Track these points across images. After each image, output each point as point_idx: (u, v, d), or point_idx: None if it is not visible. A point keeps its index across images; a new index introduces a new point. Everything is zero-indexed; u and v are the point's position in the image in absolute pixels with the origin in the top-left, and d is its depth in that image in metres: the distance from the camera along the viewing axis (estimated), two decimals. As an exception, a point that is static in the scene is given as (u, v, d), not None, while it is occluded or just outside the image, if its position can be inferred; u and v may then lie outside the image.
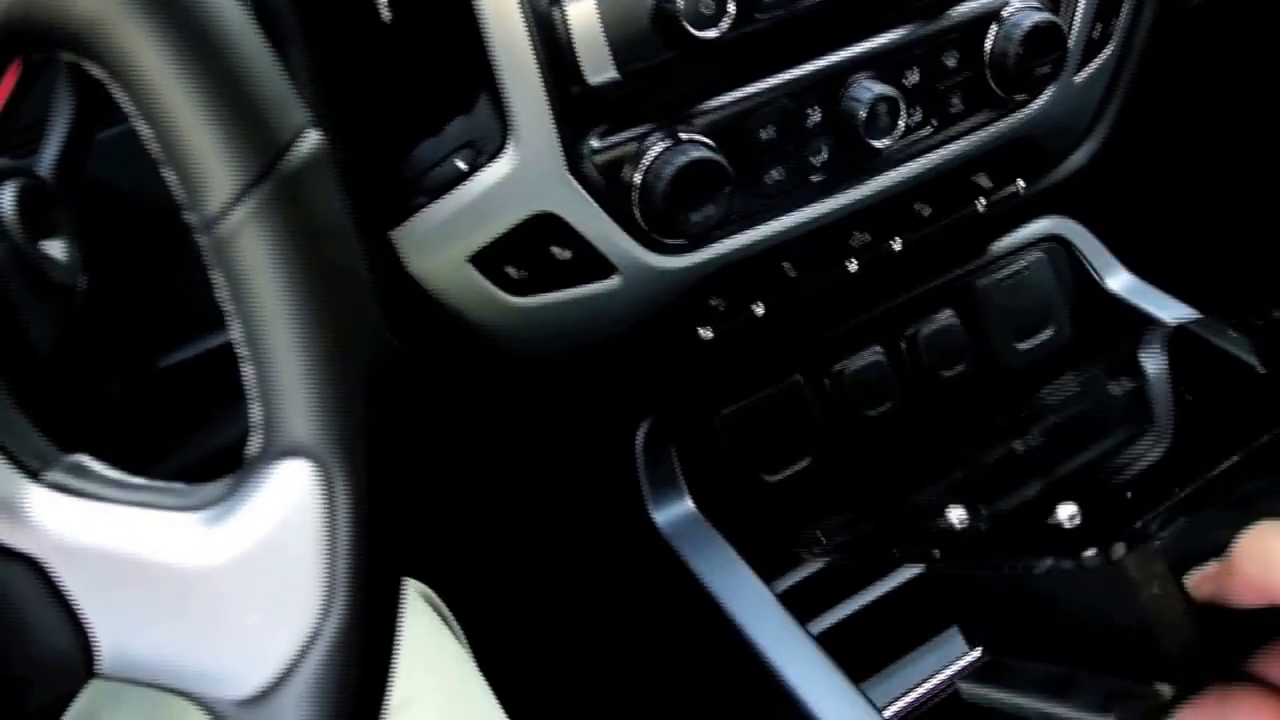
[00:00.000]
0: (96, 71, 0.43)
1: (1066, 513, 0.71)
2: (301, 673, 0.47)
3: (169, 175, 0.43)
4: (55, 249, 0.81)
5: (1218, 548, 0.56)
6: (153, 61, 0.42)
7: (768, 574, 1.03)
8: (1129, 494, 0.75)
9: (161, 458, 0.97)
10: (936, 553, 0.81)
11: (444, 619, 0.99)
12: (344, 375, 0.45)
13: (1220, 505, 0.61)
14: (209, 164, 0.43)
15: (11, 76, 0.60)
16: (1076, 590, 0.69)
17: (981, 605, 0.79)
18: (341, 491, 0.45)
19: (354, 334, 0.46)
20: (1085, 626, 0.70)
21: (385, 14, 0.86)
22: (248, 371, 0.45)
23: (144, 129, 0.43)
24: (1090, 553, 0.64)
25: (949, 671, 1.02)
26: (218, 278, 0.44)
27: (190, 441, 1.00)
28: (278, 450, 0.45)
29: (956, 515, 0.80)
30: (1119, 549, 0.62)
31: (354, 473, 0.45)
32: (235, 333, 0.44)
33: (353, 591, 0.46)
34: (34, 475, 0.47)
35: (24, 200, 0.78)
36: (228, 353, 0.91)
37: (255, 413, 0.45)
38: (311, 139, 0.45)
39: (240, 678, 0.47)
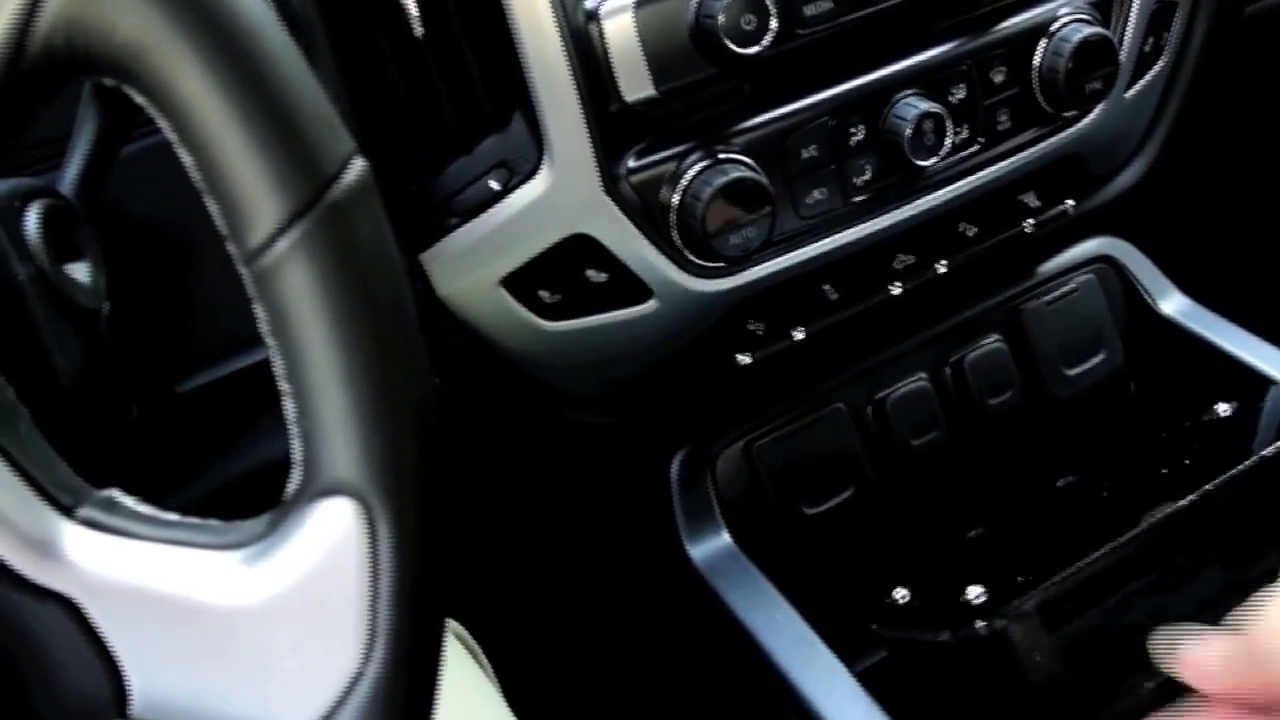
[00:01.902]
0: (139, 99, 0.42)
1: (974, 592, 0.96)
2: (342, 717, 0.45)
3: (211, 204, 0.42)
4: (79, 272, 0.79)
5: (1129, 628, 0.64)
6: (196, 88, 0.41)
7: (807, 610, 1.00)
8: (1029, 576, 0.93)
9: (181, 485, 0.95)
10: (874, 625, 1.00)
11: (475, 657, 0.97)
12: (389, 412, 0.43)
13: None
14: (253, 194, 0.41)
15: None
16: (980, 656, 0.86)
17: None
18: (385, 531, 0.44)
19: (399, 369, 0.44)
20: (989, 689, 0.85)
21: (417, 30, 0.84)
22: (289, 406, 0.43)
23: (186, 157, 0.42)
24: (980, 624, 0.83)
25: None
26: (259, 310, 0.43)
27: (210, 468, 0.98)
28: (320, 488, 0.44)
29: (900, 594, 1.02)
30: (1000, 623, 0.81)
31: (398, 512, 0.44)
32: (277, 367, 0.43)
33: (395, 635, 0.45)
34: (67, 512, 0.46)
35: (49, 222, 0.76)
36: (246, 377, 0.89)
37: (296, 449, 0.44)
38: (358, 167, 0.44)
39: None
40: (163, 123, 0.42)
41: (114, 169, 0.83)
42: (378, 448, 0.43)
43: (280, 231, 0.41)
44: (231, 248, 0.42)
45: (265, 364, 0.43)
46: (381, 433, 0.43)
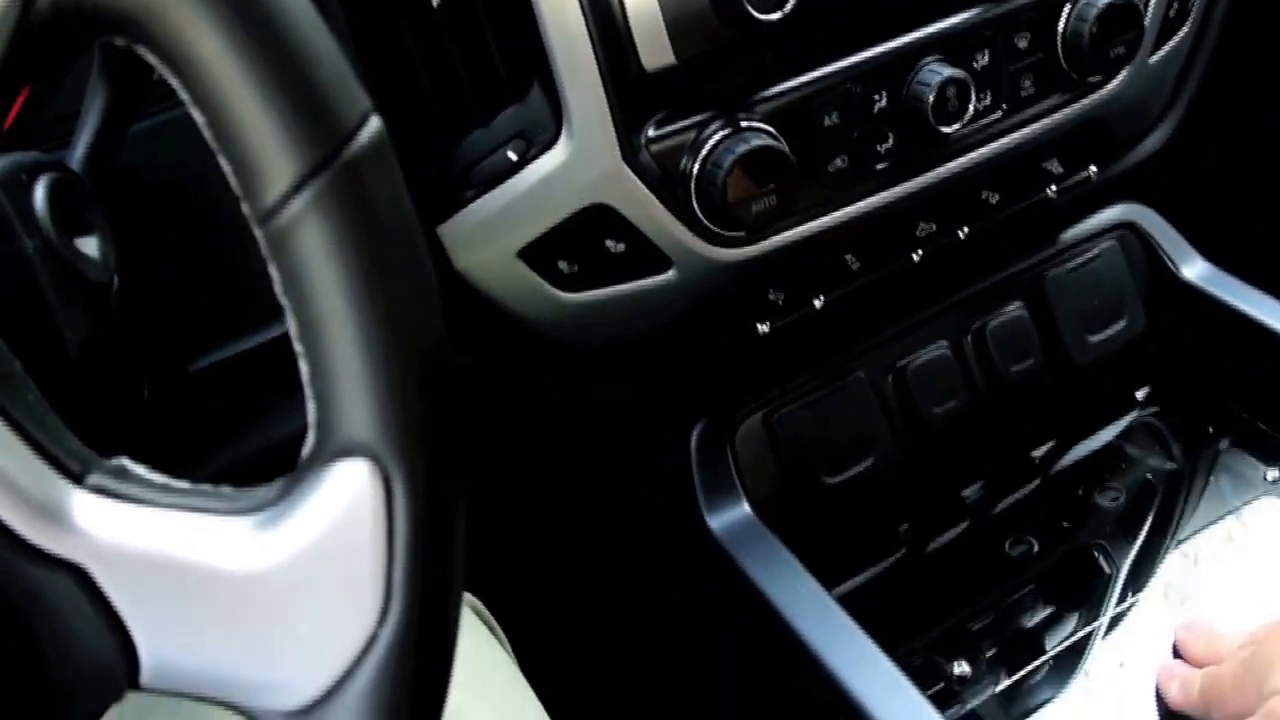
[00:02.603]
0: (150, 57, 0.41)
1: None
2: (356, 682, 0.45)
3: (225, 164, 0.41)
4: (89, 246, 0.79)
5: None
6: (210, 44, 0.40)
7: (828, 580, 1.00)
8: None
9: (195, 464, 0.95)
10: None
11: (491, 629, 0.97)
12: (405, 373, 0.43)
13: None
14: (268, 151, 0.40)
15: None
16: None
17: None
18: (401, 492, 0.43)
19: (416, 330, 0.44)
20: None
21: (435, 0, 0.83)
22: (304, 368, 0.42)
23: (199, 115, 0.41)
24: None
25: (991, 691, 1.02)
26: (274, 270, 0.42)
27: (223, 446, 0.98)
28: (334, 449, 0.43)
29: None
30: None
31: (414, 473, 0.43)
32: (291, 328, 0.42)
33: (412, 597, 0.44)
34: (77, 479, 0.45)
35: (57, 196, 0.75)
36: (262, 355, 0.89)
37: (311, 411, 0.43)
38: (374, 126, 0.43)
39: (291, 688, 0.45)
40: (175, 81, 0.41)
41: (124, 145, 0.83)
42: (392, 408, 0.42)
43: (295, 190, 0.40)
44: (246, 208, 0.41)
45: (277, 342, 0.42)
46: (396, 393, 0.42)
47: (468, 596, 0.97)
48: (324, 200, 0.40)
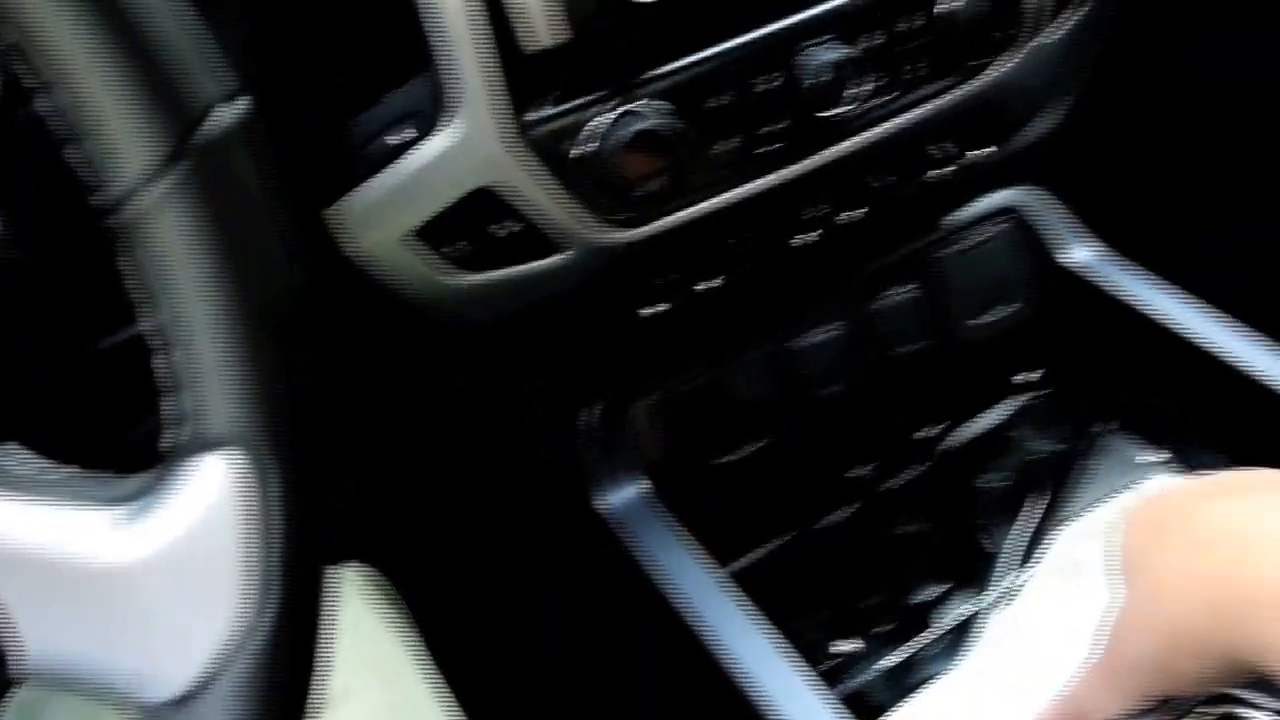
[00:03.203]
0: (7, 40, 0.40)
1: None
2: (230, 670, 0.45)
3: (76, 154, 0.41)
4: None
5: None
6: (57, 25, 0.39)
7: (722, 557, 1.00)
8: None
9: (105, 444, 0.94)
10: None
11: (389, 602, 0.96)
12: (268, 362, 0.43)
13: None
14: (118, 138, 0.40)
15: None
16: None
17: None
18: (270, 481, 0.44)
19: (278, 318, 0.43)
20: None
21: (320, -22, 0.82)
22: (164, 361, 0.42)
23: (51, 102, 0.40)
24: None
25: (882, 667, 1.04)
26: (127, 263, 0.41)
27: (140, 425, 0.96)
28: (203, 441, 0.43)
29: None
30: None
31: (285, 462, 0.44)
32: (148, 322, 0.42)
33: (288, 585, 0.45)
34: None
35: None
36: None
37: (176, 403, 0.43)
38: (232, 109, 0.43)
39: (166, 678, 0.45)
40: (29, 68, 0.40)
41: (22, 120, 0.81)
42: (258, 399, 0.42)
43: (147, 179, 0.40)
44: (98, 198, 0.41)
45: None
46: (261, 384, 0.42)
47: (365, 568, 0.97)
48: (177, 188, 0.40)
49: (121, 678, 0.46)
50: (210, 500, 0.43)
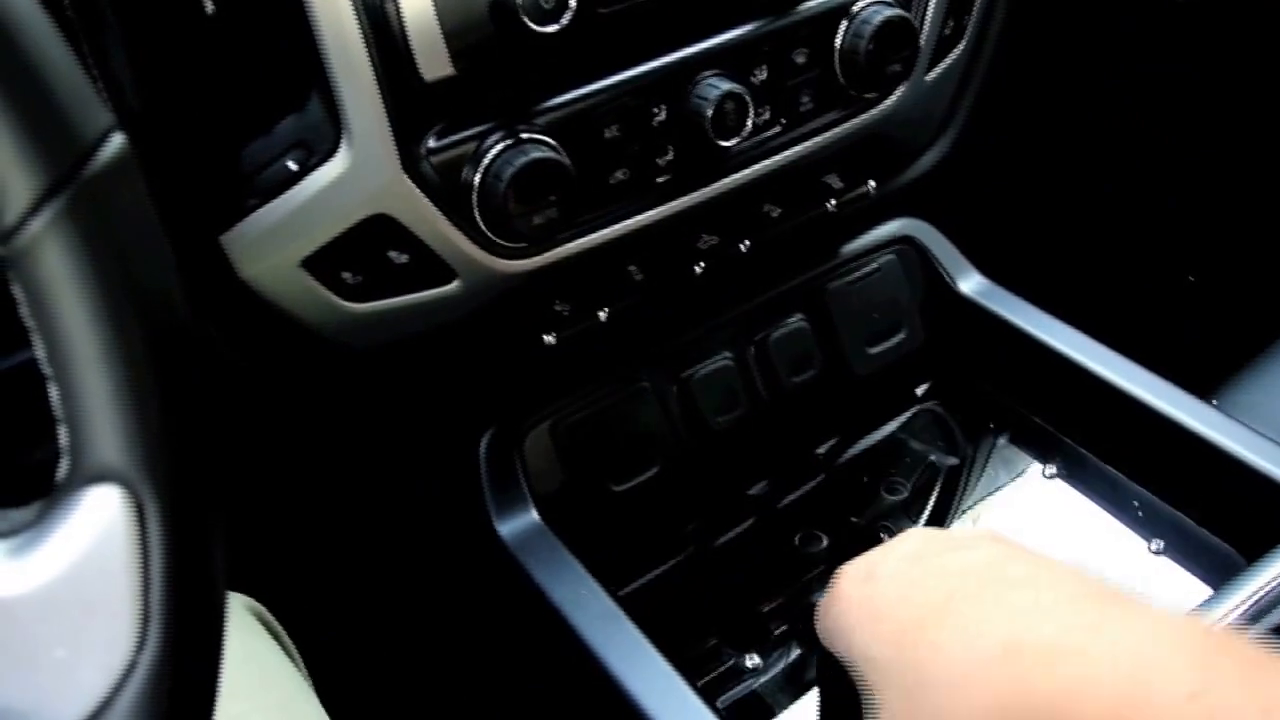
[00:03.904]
0: None
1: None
2: (117, 707, 0.44)
3: None
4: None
5: None
6: None
7: (614, 581, 1.01)
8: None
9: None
10: None
11: (275, 635, 0.95)
12: (152, 396, 0.42)
13: None
14: (3, 170, 0.39)
15: None
16: None
17: None
18: (154, 517, 0.43)
19: (164, 352, 0.43)
20: None
21: (209, 5, 0.81)
22: (53, 393, 0.42)
23: None
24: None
25: (779, 668, 1.06)
26: (18, 292, 0.40)
27: (35, 453, 0.94)
28: (86, 475, 0.42)
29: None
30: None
31: (166, 497, 0.43)
32: (38, 351, 0.41)
33: (169, 621, 0.44)
34: None
35: None
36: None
37: (62, 435, 0.42)
38: (116, 142, 0.42)
39: (50, 715, 0.44)
40: None
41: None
42: (142, 433, 0.42)
43: (32, 210, 0.39)
44: None
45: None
46: (146, 418, 0.42)
47: (252, 603, 0.96)
48: (64, 220, 0.39)
49: (6, 714, 0.45)
50: (94, 534, 0.42)
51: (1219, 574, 1.02)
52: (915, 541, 0.59)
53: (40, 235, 0.39)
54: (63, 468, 0.43)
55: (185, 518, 0.44)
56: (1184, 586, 1.03)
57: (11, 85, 0.39)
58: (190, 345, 0.44)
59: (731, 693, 1.06)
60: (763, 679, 1.06)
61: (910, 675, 0.50)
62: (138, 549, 0.43)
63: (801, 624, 1.09)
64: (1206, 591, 1.02)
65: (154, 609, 0.43)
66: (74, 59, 0.41)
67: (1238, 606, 0.88)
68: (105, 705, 0.44)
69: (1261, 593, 0.88)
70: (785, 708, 1.01)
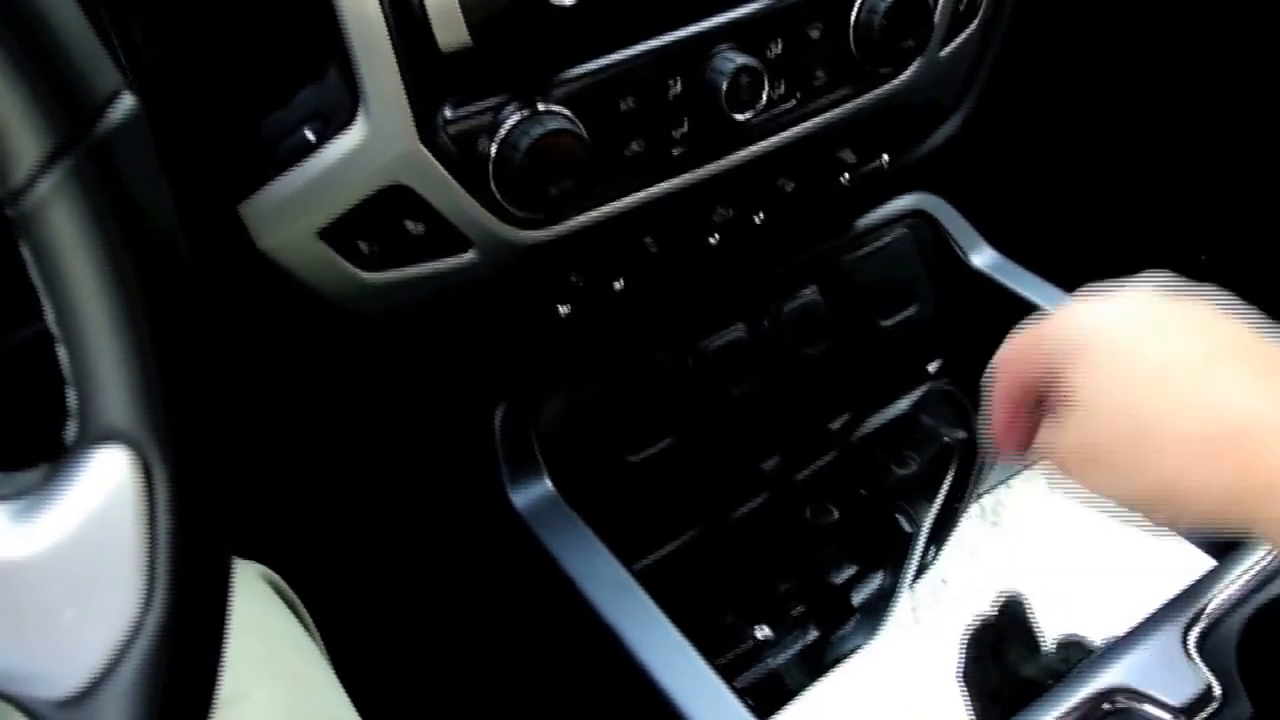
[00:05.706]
0: None
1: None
2: (123, 670, 0.44)
3: None
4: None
5: None
6: None
7: (628, 554, 1.01)
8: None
9: (15, 438, 0.92)
10: None
11: (291, 605, 0.96)
12: (161, 357, 0.43)
13: None
14: (12, 129, 0.39)
15: None
16: None
17: None
18: (161, 479, 0.43)
19: (172, 312, 0.43)
20: None
21: (230, -26, 0.82)
22: (62, 354, 0.42)
23: None
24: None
25: (797, 648, 1.06)
26: (27, 254, 0.41)
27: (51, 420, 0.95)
28: (94, 436, 0.43)
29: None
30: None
31: (174, 459, 0.43)
32: (47, 313, 0.42)
33: (175, 583, 0.44)
34: None
35: None
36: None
37: (71, 396, 0.43)
38: (126, 103, 0.42)
39: (58, 677, 0.45)
40: None
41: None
42: (150, 394, 0.42)
43: (42, 169, 0.39)
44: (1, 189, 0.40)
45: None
46: (153, 379, 0.42)
47: (268, 572, 0.96)
48: (73, 179, 0.39)
49: (12, 677, 0.45)
50: (101, 496, 0.43)
51: (1222, 545, 1.03)
52: (1145, 300, 0.62)
53: (48, 196, 0.39)
54: (70, 430, 0.43)
55: (192, 479, 0.44)
56: (1189, 557, 1.03)
57: (21, 44, 0.39)
58: (198, 308, 0.44)
59: (748, 673, 1.06)
60: (780, 659, 1.07)
61: (1129, 420, 0.58)
62: (145, 510, 0.43)
63: (819, 605, 1.10)
64: (1210, 563, 1.02)
65: (160, 570, 0.44)
66: (84, 18, 0.42)
67: (1240, 576, 0.89)
68: (112, 666, 0.44)
69: (1264, 563, 0.89)
70: (803, 688, 1.01)
